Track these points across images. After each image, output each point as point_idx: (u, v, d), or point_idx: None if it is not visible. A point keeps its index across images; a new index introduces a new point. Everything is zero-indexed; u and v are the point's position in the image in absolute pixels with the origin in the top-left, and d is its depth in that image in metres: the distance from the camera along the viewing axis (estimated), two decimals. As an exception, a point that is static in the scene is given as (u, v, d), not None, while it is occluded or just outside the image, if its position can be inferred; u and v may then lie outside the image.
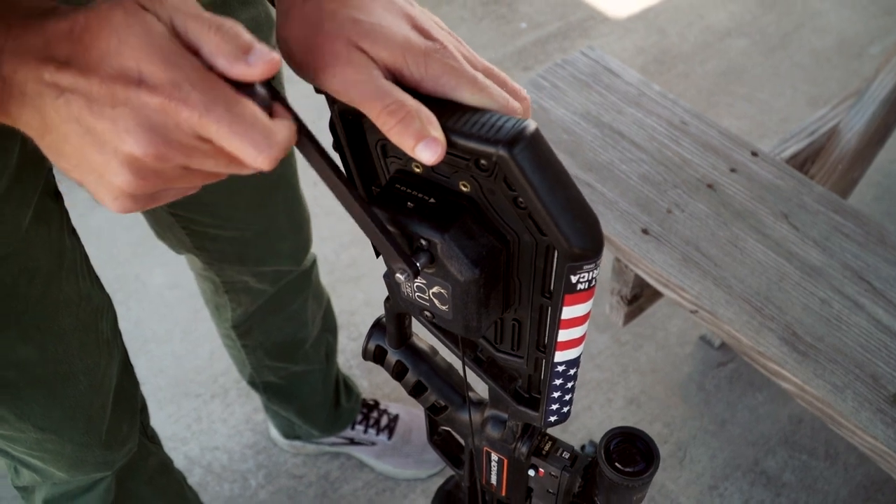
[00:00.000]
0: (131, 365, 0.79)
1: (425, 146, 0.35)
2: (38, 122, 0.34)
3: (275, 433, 1.35)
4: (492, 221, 0.42)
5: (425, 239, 0.41)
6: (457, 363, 0.57)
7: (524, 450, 0.58)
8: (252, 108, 0.33)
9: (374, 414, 1.29)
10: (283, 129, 0.34)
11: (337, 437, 1.28)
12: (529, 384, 0.52)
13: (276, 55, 0.33)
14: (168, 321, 1.58)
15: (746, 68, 2.01)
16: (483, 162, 0.38)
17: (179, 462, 1.35)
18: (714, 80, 1.98)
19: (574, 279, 0.40)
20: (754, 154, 1.13)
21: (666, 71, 2.01)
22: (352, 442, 1.28)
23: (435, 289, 0.44)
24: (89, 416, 0.68)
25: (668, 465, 1.31)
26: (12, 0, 0.34)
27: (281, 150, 0.33)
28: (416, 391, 0.61)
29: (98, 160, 0.33)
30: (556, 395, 0.50)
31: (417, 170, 0.42)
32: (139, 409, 0.80)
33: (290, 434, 1.30)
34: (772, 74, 2.00)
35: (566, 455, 0.59)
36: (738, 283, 0.98)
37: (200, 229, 0.78)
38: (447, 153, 0.36)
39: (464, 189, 0.41)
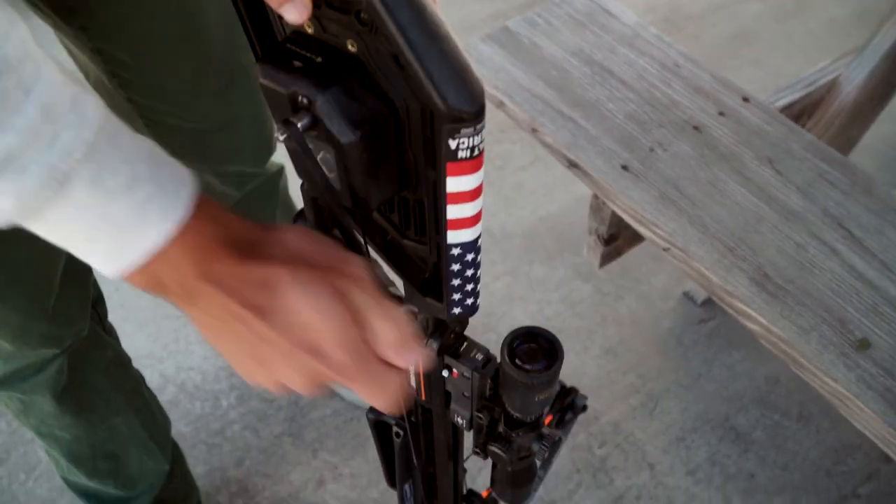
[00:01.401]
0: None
1: (291, 6, 0.34)
2: (204, 321, 0.39)
3: (249, 357, 1.35)
4: (379, 85, 0.40)
5: (306, 97, 0.40)
6: (385, 266, 0.56)
7: (435, 346, 0.56)
8: (389, 376, 0.41)
9: (348, 343, 1.29)
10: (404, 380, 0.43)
11: (308, 362, 1.28)
12: (435, 274, 0.51)
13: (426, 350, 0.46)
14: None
15: (758, 33, 1.97)
16: (363, 15, 0.37)
17: (154, 380, 1.36)
18: (724, 43, 1.95)
19: (454, 145, 0.38)
20: (745, 99, 1.11)
21: (676, 31, 1.98)
22: (323, 368, 1.28)
23: (321, 154, 0.43)
24: (35, 284, 0.68)
25: (638, 415, 1.31)
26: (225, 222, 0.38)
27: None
28: None
29: (251, 366, 0.41)
30: (456, 282, 0.48)
31: (309, 30, 0.41)
32: (91, 293, 0.80)
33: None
34: (784, 40, 1.96)
35: (479, 357, 0.58)
36: (713, 223, 0.97)
37: (159, 118, 0.77)
38: (326, 7, 0.35)
39: (351, 49, 0.40)
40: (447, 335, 0.56)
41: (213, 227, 0.36)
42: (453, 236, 0.45)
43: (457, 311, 0.50)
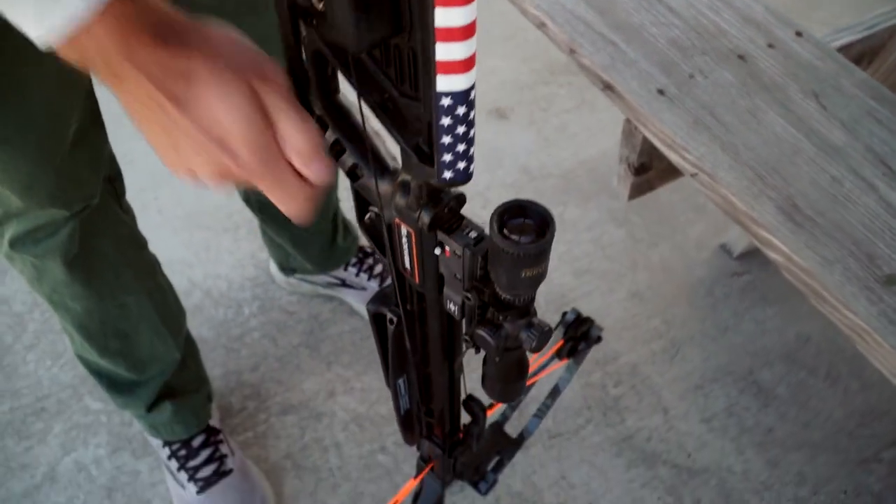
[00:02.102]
0: (103, 121, 0.80)
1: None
2: (130, 103, 0.40)
3: (274, 269, 1.37)
4: None
5: None
6: (385, 133, 0.55)
7: (426, 219, 0.55)
8: (298, 184, 0.43)
9: (370, 261, 1.29)
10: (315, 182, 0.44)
11: (330, 275, 1.28)
12: (429, 136, 0.49)
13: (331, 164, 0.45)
14: (196, 157, 1.60)
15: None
16: None
17: (182, 284, 1.39)
18: None
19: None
20: (798, 34, 1.05)
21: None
22: (343, 284, 1.29)
23: None
24: (45, 135, 0.69)
25: (658, 360, 1.28)
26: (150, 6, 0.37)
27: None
28: (334, 152, 0.59)
29: (169, 152, 0.42)
30: (446, 140, 0.46)
31: None
32: (104, 164, 0.81)
33: (285, 266, 1.31)
34: None
35: (473, 234, 0.56)
36: (746, 150, 0.93)
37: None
38: None
39: None
40: (440, 207, 0.55)
41: (140, 10, 0.36)
42: (444, 83, 0.43)
43: (448, 174, 0.48)
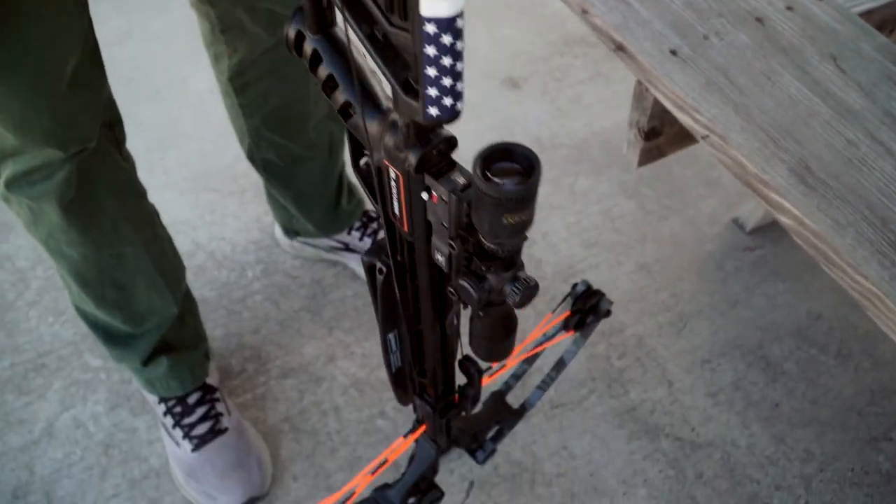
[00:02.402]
0: (102, 63, 0.79)
1: None
2: None
3: (278, 232, 1.35)
4: None
5: None
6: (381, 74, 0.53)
7: (413, 160, 0.53)
8: None
9: (374, 225, 1.27)
10: None
11: (333, 239, 1.27)
12: (417, 70, 0.47)
13: None
14: (203, 122, 1.59)
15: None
16: None
17: (186, 245, 1.38)
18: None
19: None
20: (819, -3, 1.02)
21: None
22: (347, 248, 1.27)
23: None
24: (42, 69, 0.68)
25: (665, 333, 1.25)
26: None
27: None
28: (327, 86, 0.57)
29: None
30: (431, 72, 0.44)
31: None
32: (103, 108, 0.80)
33: (288, 228, 1.30)
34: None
35: (461, 180, 0.54)
36: (759, 113, 0.90)
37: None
38: None
39: None
40: (428, 149, 0.53)
41: None
42: (428, 7, 0.41)
43: (433, 110, 0.46)
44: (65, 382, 1.21)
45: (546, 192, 1.44)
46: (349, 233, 1.26)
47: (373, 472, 0.87)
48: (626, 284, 1.31)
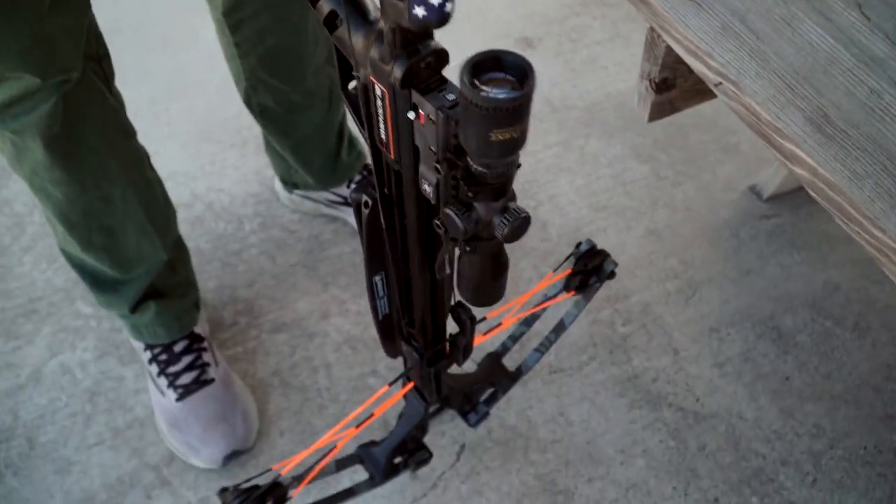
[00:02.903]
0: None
1: None
2: None
3: (278, 186, 1.32)
4: None
5: None
6: None
7: (399, 73, 0.48)
8: None
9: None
10: None
11: (332, 192, 1.23)
12: None
13: None
14: (210, 73, 1.56)
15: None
16: None
17: (184, 196, 1.35)
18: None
19: None
20: (848, -59, 0.95)
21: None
22: (345, 202, 1.23)
23: None
24: None
25: (672, 301, 1.20)
26: None
27: None
28: None
29: None
30: None
31: None
32: (87, 36, 0.77)
33: (287, 180, 1.26)
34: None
35: (450, 97, 0.49)
36: (777, 59, 0.84)
37: None
38: None
39: None
40: (415, 60, 0.48)
41: None
42: None
43: (420, 11, 0.42)
44: (54, 328, 1.19)
45: (554, 154, 1.39)
46: (348, 186, 1.22)
47: (357, 426, 0.83)
48: (635, 249, 1.26)
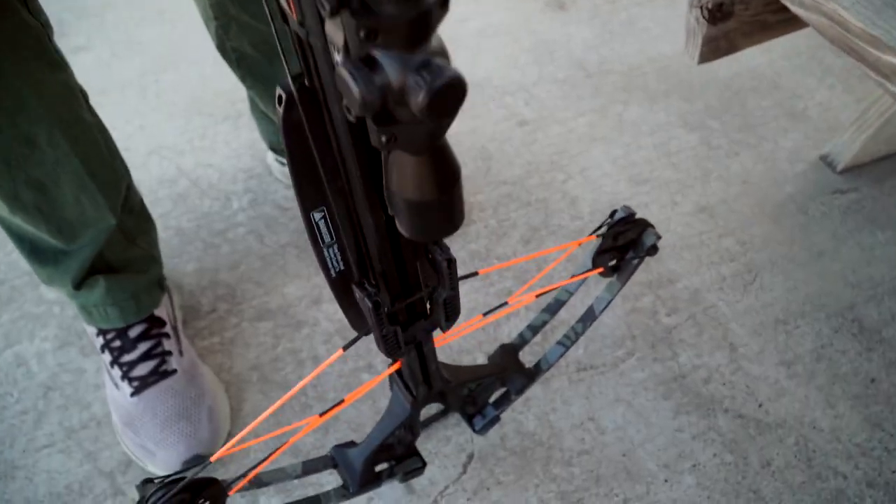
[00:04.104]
0: None
1: None
2: None
3: (270, 158, 1.17)
4: None
5: None
6: None
7: None
8: None
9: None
10: None
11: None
12: None
13: None
14: (206, 46, 1.41)
15: None
16: None
17: (169, 171, 1.20)
18: None
19: None
20: None
21: None
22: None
23: None
24: None
25: (728, 287, 1.00)
26: None
27: None
28: None
29: None
30: None
31: None
32: None
33: (276, 146, 1.10)
34: None
35: None
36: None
37: None
38: None
39: None
40: None
41: None
42: None
43: None
44: (13, 316, 1.04)
45: (588, 122, 1.21)
46: (345, 153, 1.06)
47: (322, 414, 0.66)
48: (681, 228, 1.07)
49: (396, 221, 0.43)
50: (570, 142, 1.18)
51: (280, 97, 0.44)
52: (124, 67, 1.40)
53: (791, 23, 0.84)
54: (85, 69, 1.32)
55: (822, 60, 1.31)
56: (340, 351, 0.57)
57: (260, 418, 0.60)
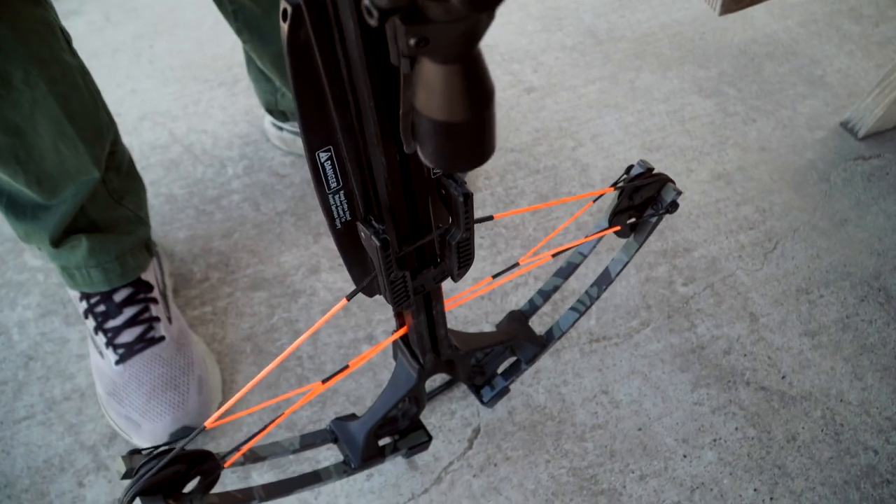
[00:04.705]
0: None
1: None
2: None
3: (267, 123, 1.11)
4: None
5: None
6: None
7: None
8: None
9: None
10: None
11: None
12: None
13: None
14: (203, 11, 1.37)
15: None
16: None
17: (162, 138, 1.15)
18: None
19: None
20: None
21: None
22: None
23: None
24: None
25: (748, 255, 0.95)
26: None
27: None
28: None
29: None
30: None
31: None
32: None
33: (273, 109, 1.05)
34: None
35: None
36: None
37: None
38: None
39: None
40: None
41: None
42: None
43: None
44: (-6, 284, 0.99)
45: (598, 90, 1.16)
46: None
47: (325, 381, 0.60)
48: (697, 196, 1.02)
49: (419, 150, 0.37)
50: (579, 108, 1.13)
51: (285, 11, 0.38)
52: (117, 32, 1.35)
53: (820, -30, 0.79)
54: (76, 35, 1.27)
55: (839, 27, 1.26)
56: (345, 300, 0.52)
57: (256, 379, 0.55)
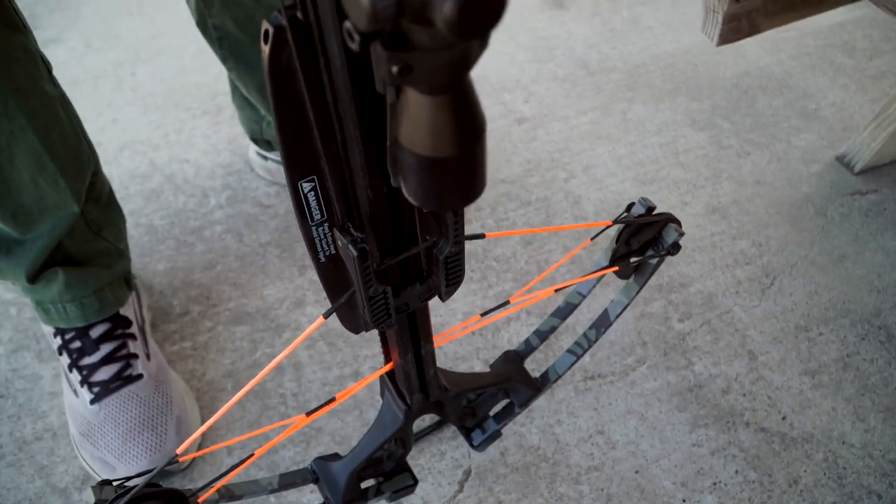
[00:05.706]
0: None
1: None
2: None
3: (252, 153, 1.09)
4: None
5: None
6: None
7: None
8: None
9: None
10: None
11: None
12: None
13: None
14: (186, 39, 1.35)
15: None
16: None
17: (142, 167, 1.12)
18: None
19: None
20: None
21: None
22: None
23: None
24: None
25: (745, 291, 0.93)
26: None
27: None
28: None
29: None
30: None
31: None
32: None
33: (258, 138, 1.03)
34: None
35: None
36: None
37: None
38: None
39: None
40: None
41: None
42: None
43: None
44: (-36, 317, 0.95)
45: (590, 121, 1.14)
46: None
47: (309, 413, 0.57)
48: (692, 229, 1.00)
49: (402, 185, 0.35)
50: (571, 140, 1.12)
51: (267, 33, 0.35)
52: (98, 59, 1.32)
53: (817, 3, 0.78)
54: (56, 62, 1.24)
55: (833, 60, 1.25)
56: (322, 319, 0.48)
57: (235, 399, 0.52)
